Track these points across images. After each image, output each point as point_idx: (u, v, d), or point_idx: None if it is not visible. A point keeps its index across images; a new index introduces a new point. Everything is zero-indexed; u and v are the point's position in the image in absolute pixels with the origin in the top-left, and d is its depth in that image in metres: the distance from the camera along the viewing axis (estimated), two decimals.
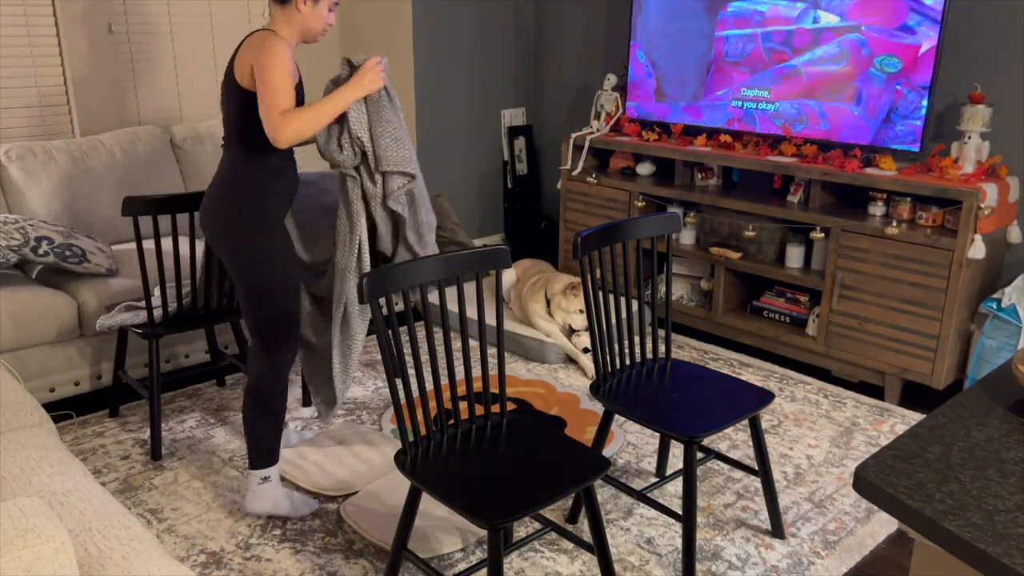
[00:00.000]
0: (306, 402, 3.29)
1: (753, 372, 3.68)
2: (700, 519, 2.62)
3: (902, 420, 3.26)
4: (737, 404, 2.31)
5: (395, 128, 2.54)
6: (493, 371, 3.62)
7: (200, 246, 3.67)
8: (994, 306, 3.20)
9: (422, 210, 2.72)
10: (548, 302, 3.83)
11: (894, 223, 3.30)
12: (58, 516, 1.68)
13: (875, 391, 3.51)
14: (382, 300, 3.66)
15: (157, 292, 3.08)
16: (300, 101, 2.44)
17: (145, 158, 3.80)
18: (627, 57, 4.23)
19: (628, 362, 2.70)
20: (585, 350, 3.67)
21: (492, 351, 3.90)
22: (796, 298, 3.76)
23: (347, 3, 4.79)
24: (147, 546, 1.68)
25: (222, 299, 3.00)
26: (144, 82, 4.10)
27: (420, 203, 2.70)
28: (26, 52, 3.71)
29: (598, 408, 3.31)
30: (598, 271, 3.70)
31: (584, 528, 2.56)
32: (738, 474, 2.88)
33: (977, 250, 3.10)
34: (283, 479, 2.78)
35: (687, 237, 4.00)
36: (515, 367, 3.69)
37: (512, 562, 2.40)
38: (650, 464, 2.93)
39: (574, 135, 4.34)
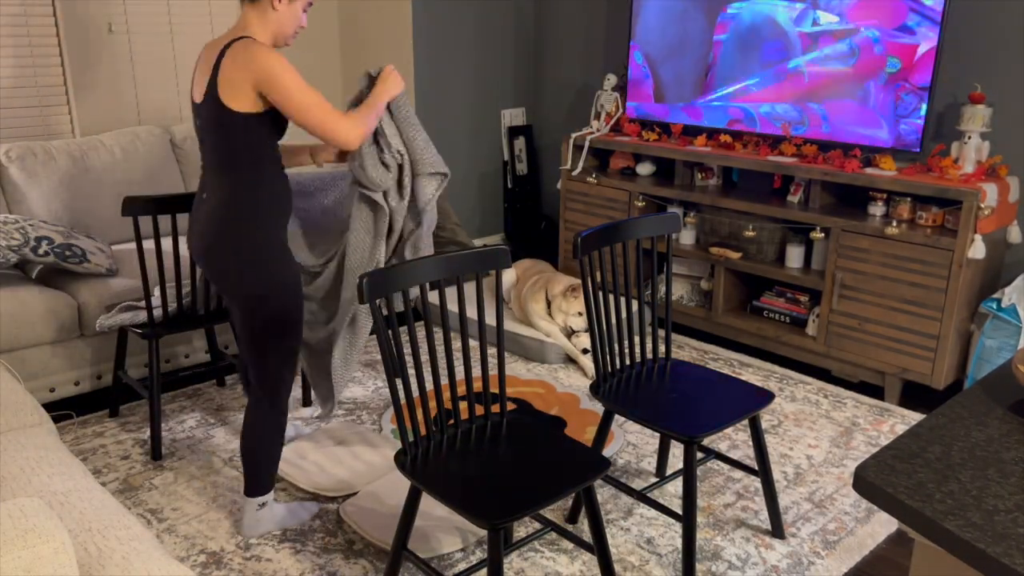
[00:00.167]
0: (306, 402, 3.29)
1: (753, 372, 3.68)
2: (700, 519, 2.62)
3: (902, 420, 3.26)
4: (737, 404, 2.31)
5: (421, 129, 2.59)
6: (493, 371, 3.62)
7: None
8: (994, 306, 3.20)
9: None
10: (548, 303, 3.83)
11: (894, 223, 3.30)
12: (58, 516, 1.68)
13: (875, 391, 3.51)
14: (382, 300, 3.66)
15: (157, 292, 3.08)
16: (278, 120, 2.27)
17: (145, 158, 3.80)
18: (627, 57, 4.23)
19: (628, 362, 2.70)
20: (584, 351, 3.67)
21: (492, 351, 3.90)
22: (796, 298, 3.76)
23: (347, 3, 4.79)
24: (147, 546, 1.68)
25: (222, 299, 3.00)
26: (144, 82, 4.10)
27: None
28: (26, 52, 3.71)
29: (598, 408, 3.31)
30: (598, 273, 3.70)
31: (584, 528, 2.56)
32: (738, 474, 2.88)
33: (977, 250, 3.10)
34: (282, 479, 2.78)
35: (687, 237, 4.00)
36: (515, 367, 3.69)
37: (512, 562, 2.40)
38: (650, 464, 2.93)
39: (574, 135, 4.34)
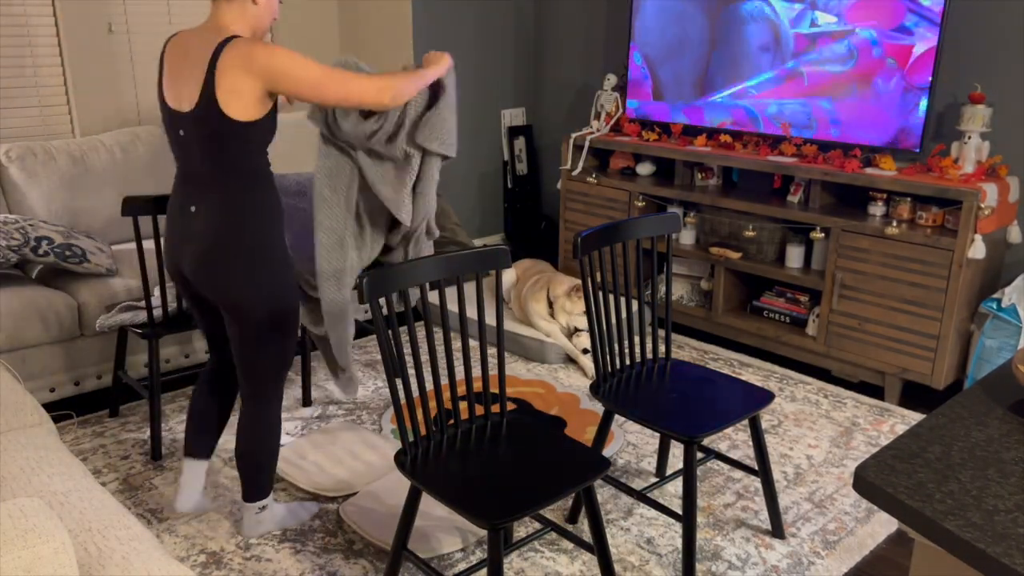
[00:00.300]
0: (306, 402, 3.29)
1: (753, 372, 3.68)
2: (700, 519, 2.62)
3: (902, 420, 3.26)
4: (737, 404, 2.31)
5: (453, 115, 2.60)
6: (493, 371, 3.62)
7: None
8: (994, 306, 3.20)
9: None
10: (550, 303, 3.83)
11: (894, 223, 3.30)
12: (58, 516, 1.68)
13: (875, 391, 3.51)
14: (383, 300, 3.66)
15: (157, 292, 3.08)
16: (274, 124, 2.19)
17: (145, 158, 3.80)
18: (627, 57, 4.23)
19: (628, 362, 2.70)
20: (585, 351, 3.67)
21: (492, 351, 3.90)
22: (796, 298, 3.76)
23: (347, 3, 4.79)
24: (147, 546, 1.68)
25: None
26: (144, 82, 4.10)
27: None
28: (26, 52, 3.71)
29: (598, 408, 3.31)
30: (598, 273, 3.70)
31: (584, 528, 2.56)
32: (738, 474, 2.88)
33: (977, 250, 3.10)
34: (282, 479, 2.78)
35: (687, 237, 4.00)
36: (515, 367, 3.69)
37: (512, 562, 2.40)
38: (650, 464, 2.93)
39: (574, 135, 4.34)
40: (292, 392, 3.41)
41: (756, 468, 2.48)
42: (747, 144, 3.89)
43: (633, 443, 3.07)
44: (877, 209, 3.45)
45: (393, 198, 2.63)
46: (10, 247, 3.07)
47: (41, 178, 3.50)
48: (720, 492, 2.77)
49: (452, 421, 2.62)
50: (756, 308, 3.87)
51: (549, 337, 3.75)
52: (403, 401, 3.35)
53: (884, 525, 2.61)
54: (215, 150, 2.11)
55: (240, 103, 2.06)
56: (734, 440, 3.10)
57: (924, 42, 3.27)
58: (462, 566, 2.38)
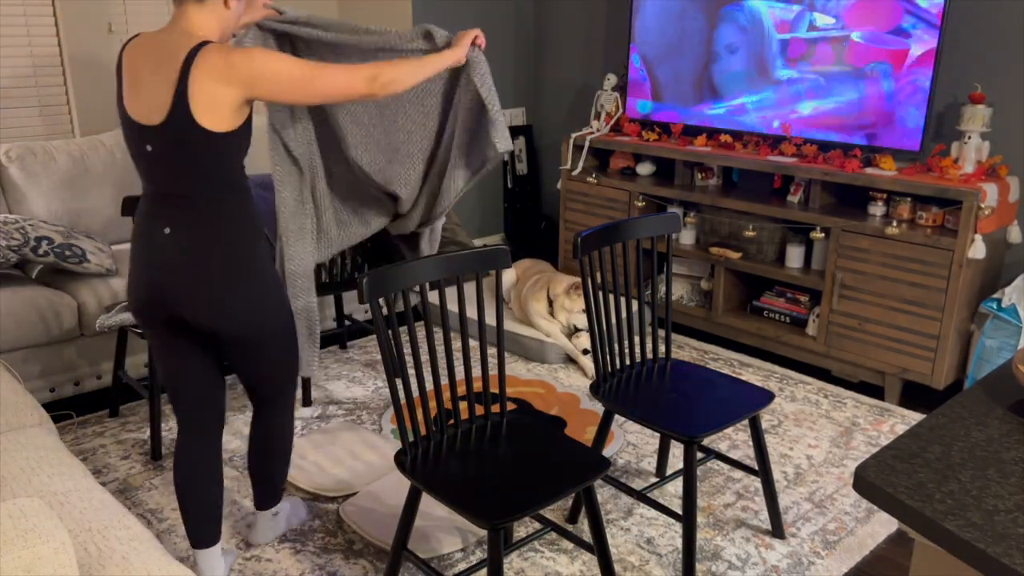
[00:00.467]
0: (306, 402, 3.29)
1: (753, 372, 3.68)
2: (700, 519, 2.62)
3: (902, 420, 3.26)
4: (737, 404, 2.31)
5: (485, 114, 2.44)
6: (493, 371, 3.62)
7: None
8: (994, 306, 3.20)
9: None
10: (550, 302, 3.83)
11: (894, 223, 3.30)
12: (58, 516, 1.68)
13: (875, 391, 3.51)
14: (383, 300, 3.66)
15: None
16: (250, 132, 2.03)
17: None
18: (627, 57, 4.23)
19: (628, 362, 2.70)
20: (585, 351, 3.67)
21: (492, 351, 3.90)
22: (796, 298, 3.76)
23: (347, 3, 4.79)
24: (147, 546, 1.68)
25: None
26: None
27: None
28: (26, 52, 3.71)
29: (598, 408, 3.31)
30: (598, 273, 3.70)
31: (584, 528, 2.56)
32: (738, 474, 2.88)
33: (977, 250, 3.10)
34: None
35: (687, 237, 4.00)
36: (515, 367, 3.69)
37: (512, 562, 2.40)
38: (650, 464, 2.93)
39: (574, 135, 4.34)
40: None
41: (756, 468, 2.48)
42: (747, 144, 3.89)
43: (633, 443, 3.07)
44: (877, 209, 3.45)
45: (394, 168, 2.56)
46: (10, 247, 3.07)
47: (41, 178, 3.50)
48: (720, 492, 2.77)
49: (452, 421, 2.62)
50: (756, 308, 3.87)
51: (549, 337, 3.75)
52: (403, 401, 3.35)
53: (884, 525, 2.61)
54: (191, 165, 1.93)
55: (217, 114, 1.90)
56: (734, 440, 3.10)
57: (923, 43, 3.27)
58: (462, 566, 2.38)
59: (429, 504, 2.59)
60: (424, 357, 3.83)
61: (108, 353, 3.26)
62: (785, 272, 3.65)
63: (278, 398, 2.27)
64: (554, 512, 2.64)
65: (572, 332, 3.77)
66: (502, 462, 2.00)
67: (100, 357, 3.25)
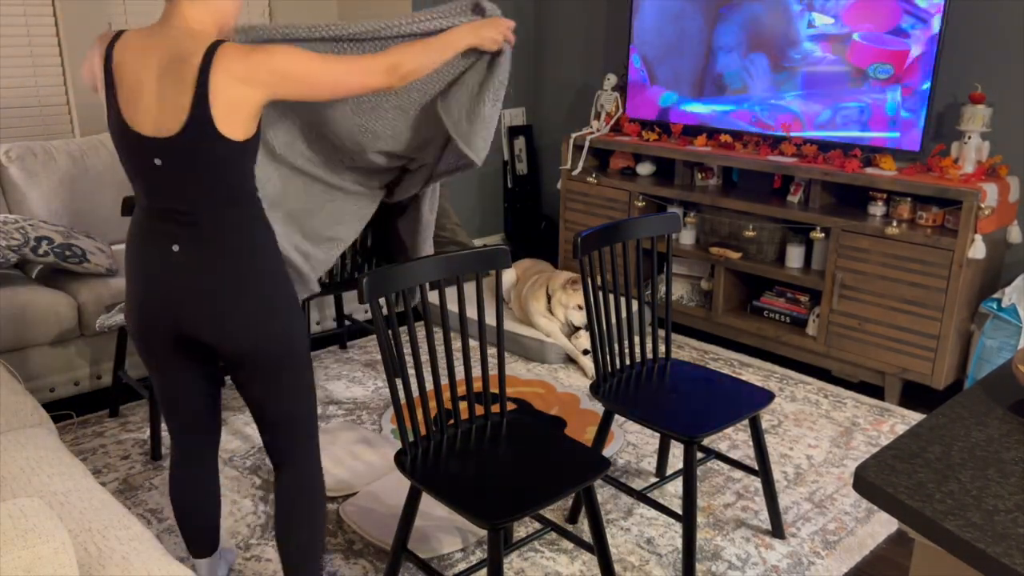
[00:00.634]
0: None
1: (753, 372, 3.68)
2: (700, 519, 2.62)
3: (902, 420, 3.26)
4: (737, 404, 2.31)
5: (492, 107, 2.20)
6: (493, 371, 3.62)
7: None
8: (994, 306, 3.20)
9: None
10: (549, 299, 3.83)
11: (894, 223, 3.30)
12: (58, 516, 1.68)
13: (875, 391, 3.51)
14: (383, 300, 3.66)
15: None
16: (259, 143, 1.89)
17: None
18: (627, 57, 4.23)
19: (628, 362, 2.70)
20: (585, 352, 3.67)
21: (492, 351, 3.90)
22: (796, 298, 3.76)
23: (347, 3, 4.79)
24: (147, 546, 1.68)
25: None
26: None
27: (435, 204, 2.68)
28: (26, 52, 3.71)
29: (598, 408, 3.31)
30: (598, 273, 3.70)
31: (584, 528, 2.56)
32: (738, 474, 2.88)
33: (977, 250, 3.10)
34: None
35: (687, 237, 4.00)
36: (515, 367, 3.69)
37: (512, 562, 2.40)
38: (650, 464, 2.93)
39: (574, 135, 4.34)
40: None
41: (756, 468, 2.48)
42: (747, 144, 3.89)
43: (633, 443, 3.07)
44: (877, 209, 3.45)
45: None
46: (10, 247, 3.07)
47: (41, 178, 3.50)
48: (720, 492, 2.77)
49: (452, 421, 2.62)
50: (756, 308, 3.87)
51: (549, 337, 3.75)
52: (403, 401, 3.35)
53: (884, 525, 2.61)
54: (210, 178, 1.74)
55: (238, 120, 1.72)
56: (734, 440, 3.10)
57: (922, 43, 3.27)
58: (462, 566, 2.38)
59: (429, 504, 2.59)
60: (424, 357, 3.83)
61: (108, 353, 3.26)
62: (785, 272, 3.65)
63: (306, 446, 1.96)
64: (554, 512, 2.64)
65: (572, 332, 3.77)
66: (502, 462, 2.00)
67: (100, 357, 3.25)
